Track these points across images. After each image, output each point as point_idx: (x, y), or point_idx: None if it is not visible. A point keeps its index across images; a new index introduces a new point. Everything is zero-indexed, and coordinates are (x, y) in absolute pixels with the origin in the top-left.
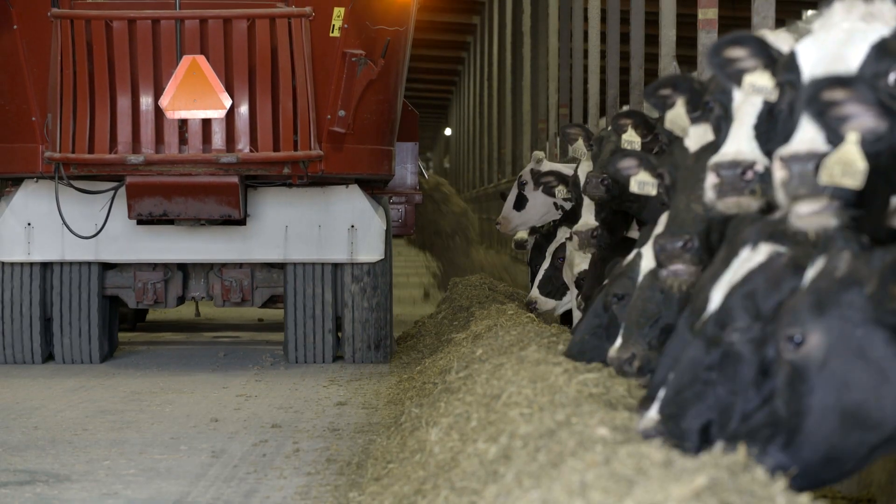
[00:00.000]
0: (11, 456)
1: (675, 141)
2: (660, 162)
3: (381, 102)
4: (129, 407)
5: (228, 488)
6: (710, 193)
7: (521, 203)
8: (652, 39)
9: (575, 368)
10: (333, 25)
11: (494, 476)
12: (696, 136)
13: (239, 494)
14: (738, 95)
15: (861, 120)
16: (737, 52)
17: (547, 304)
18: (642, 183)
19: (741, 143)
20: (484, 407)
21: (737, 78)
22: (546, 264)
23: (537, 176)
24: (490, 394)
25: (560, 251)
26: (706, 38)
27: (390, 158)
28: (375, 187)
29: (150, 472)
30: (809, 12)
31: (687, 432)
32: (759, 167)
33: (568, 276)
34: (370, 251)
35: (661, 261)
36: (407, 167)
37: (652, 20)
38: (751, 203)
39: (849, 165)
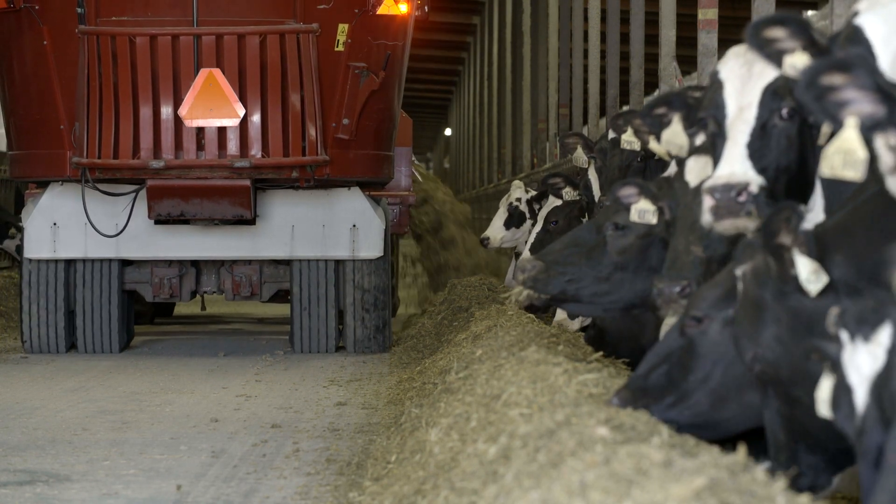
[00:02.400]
0: (11, 456)
1: (677, 173)
2: (661, 194)
3: (381, 111)
4: (129, 407)
5: (228, 488)
6: (706, 216)
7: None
8: (652, 39)
9: (575, 369)
10: (338, 40)
11: (494, 476)
12: (696, 170)
13: (239, 494)
14: (731, 111)
15: (859, 105)
16: (776, 33)
17: None
18: (642, 211)
19: (734, 164)
20: (484, 407)
21: (776, 59)
22: (538, 227)
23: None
24: (490, 394)
25: (552, 215)
26: (706, 38)
27: (390, 162)
28: (374, 189)
29: (150, 472)
30: (809, 12)
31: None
32: (754, 188)
33: None
34: (370, 249)
35: (660, 305)
36: (401, 170)
37: (652, 20)
38: (747, 224)
39: (849, 154)
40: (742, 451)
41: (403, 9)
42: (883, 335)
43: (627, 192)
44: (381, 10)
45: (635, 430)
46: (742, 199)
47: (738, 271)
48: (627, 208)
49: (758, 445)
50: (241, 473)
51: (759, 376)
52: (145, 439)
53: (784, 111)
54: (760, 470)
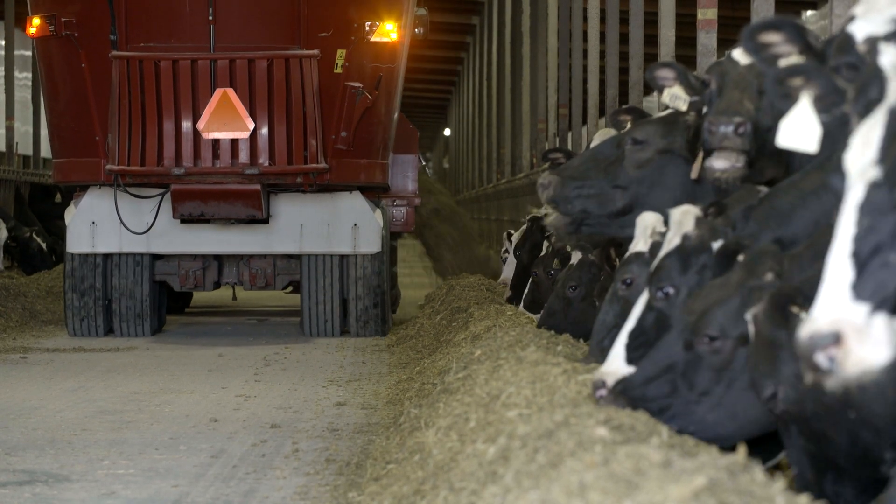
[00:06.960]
0: (11, 456)
1: (726, 57)
2: (699, 89)
3: (376, 125)
4: (129, 407)
5: (228, 488)
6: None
7: None
8: (651, 39)
9: (574, 369)
10: (337, 63)
11: (493, 477)
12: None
13: (238, 494)
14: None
15: (790, 55)
16: (772, 37)
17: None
18: (675, 96)
19: (612, 362)
20: (483, 408)
21: (772, 63)
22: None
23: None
24: (489, 394)
25: (570, 279)
26: (705, 38)
27: (385, 169)
28: (380, 193)
29: (150, 472)
30: (809, 12)
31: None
32: (611, 381)
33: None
34: (370, 245)
35: (711, 143)
36: (408, 175)
37: (651, 20)
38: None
39: (803, 127)
40: (741, 451)
41: (395, 36)
42: None
43: (665, 73)
44: (374, 38)
45: (634, 430)
46: (602, 393)
47: (749, 315)
48: (661, 88)
49: (757, 445)
50: (240, 473)
51: (781, 416)
52: (145, 439)
53: (665, 290)
54: (759, 470)
